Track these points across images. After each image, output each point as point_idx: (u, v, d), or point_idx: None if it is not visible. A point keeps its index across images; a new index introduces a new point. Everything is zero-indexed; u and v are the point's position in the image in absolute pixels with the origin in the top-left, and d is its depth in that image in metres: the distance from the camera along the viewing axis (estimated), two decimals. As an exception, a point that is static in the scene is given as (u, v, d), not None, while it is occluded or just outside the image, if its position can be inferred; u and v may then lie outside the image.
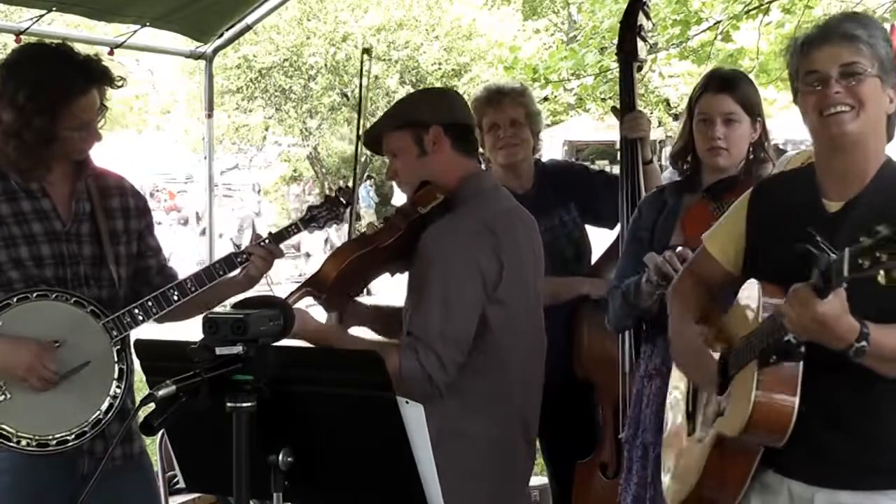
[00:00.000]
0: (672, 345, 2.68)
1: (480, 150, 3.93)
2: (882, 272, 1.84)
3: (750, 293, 2.36)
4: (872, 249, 1.85)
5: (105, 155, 3.01)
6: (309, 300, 2.78)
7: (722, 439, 2.36)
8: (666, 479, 2.72)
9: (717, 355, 2.46)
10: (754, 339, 2.25)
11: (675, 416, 2.75)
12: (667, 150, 3.86)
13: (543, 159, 4.09)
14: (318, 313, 2.86)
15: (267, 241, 3.03)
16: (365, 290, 3.05)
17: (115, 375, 2.84)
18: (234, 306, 2.23)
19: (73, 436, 2.77)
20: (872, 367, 2.18)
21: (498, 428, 2.73)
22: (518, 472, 2.86)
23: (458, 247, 2.63)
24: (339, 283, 2.73)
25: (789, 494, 2.38)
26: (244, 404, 2.00)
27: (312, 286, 2.74)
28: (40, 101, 2.76)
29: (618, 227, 3.74)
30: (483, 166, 4.01)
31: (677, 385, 2.77)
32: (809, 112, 2.32)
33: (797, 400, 2.20)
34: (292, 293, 2.69)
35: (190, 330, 2.43)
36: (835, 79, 2.27)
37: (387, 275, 2.90)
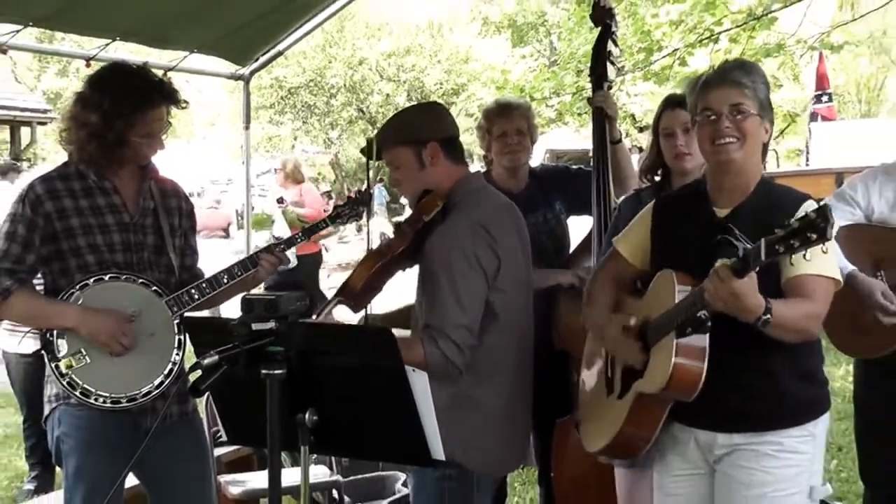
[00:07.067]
0: (589, 325, 2.82)
1: (485, 152, 3.95)
2: (790, 255, 2.02)
3: (664, 280, 2.46)
4: (787, 238, 1.99)
5: (160, 160, 3.02)
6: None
7: (641, 395, 2.47)
8: (586, 429, 2.81)
9: (633, 321, 2.56)
10: (672, 315, 2.36)
11: (591, 381, 2.85)
12: (634, 158, 3.89)
13: (532, 164, 4.07)
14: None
15: (299, 234, 3.17)
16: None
17: (175, 345, 2.87)
18: (267, 289, 2.23)
19: (141, 394, 2.81)
20: (776, 335, 2.28)
21: (503, 393, 2.73)
22: (519, 429, 2.85)
23: (460, 248, 2.62)
24: (365, 289, 2.80)
25: (696, 442, 2.52)
26: (276, 371, 2.01)
27: (344, 295, 2.80)
28: (122, 108, 2.80)
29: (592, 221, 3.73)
30: (484, 166, 4.01)
31: (592, 359, 2.87)
32: (704, 140, 2.47)
33: (705, 364, 2.32)
34: (328, 303, 2.76)
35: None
36: (725, 115, 2.40)
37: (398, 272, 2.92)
